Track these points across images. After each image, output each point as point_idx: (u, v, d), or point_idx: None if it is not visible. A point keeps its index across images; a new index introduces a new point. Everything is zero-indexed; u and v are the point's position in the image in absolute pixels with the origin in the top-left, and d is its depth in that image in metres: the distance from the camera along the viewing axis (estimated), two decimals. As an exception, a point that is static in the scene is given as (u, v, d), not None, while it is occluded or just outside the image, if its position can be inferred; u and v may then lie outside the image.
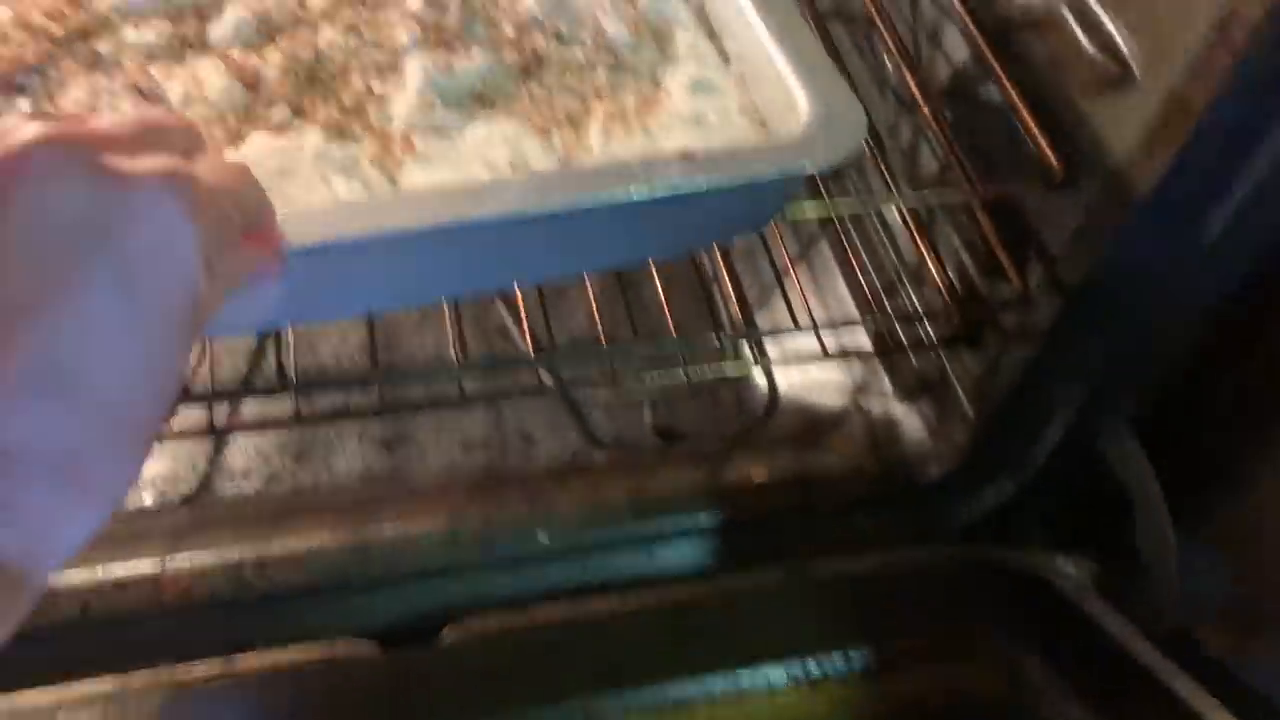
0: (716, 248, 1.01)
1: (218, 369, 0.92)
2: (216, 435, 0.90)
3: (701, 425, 0.98)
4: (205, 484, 0.90)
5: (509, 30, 0.63)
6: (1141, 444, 0.84)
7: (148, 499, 0.88)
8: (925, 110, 0.82)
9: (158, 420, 0.39)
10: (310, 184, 0.55)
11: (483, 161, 0.57)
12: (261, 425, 0.89)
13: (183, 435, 0.88)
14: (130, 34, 0.59)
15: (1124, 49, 0.68)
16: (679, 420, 0.98)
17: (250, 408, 0.93)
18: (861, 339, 0.94)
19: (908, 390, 0.92)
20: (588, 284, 0.92)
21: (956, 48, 0.83)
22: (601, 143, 0.59)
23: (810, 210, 0.86)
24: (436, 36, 0.61)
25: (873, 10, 0.86)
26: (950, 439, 0.89)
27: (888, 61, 0.90)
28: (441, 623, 0.78)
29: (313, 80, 0.59)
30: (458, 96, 0.60)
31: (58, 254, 0.35)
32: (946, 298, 0.84)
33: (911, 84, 0.83)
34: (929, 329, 0.88)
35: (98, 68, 0.58)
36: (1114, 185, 0.70)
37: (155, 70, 0.58)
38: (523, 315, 0.97)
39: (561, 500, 0.87)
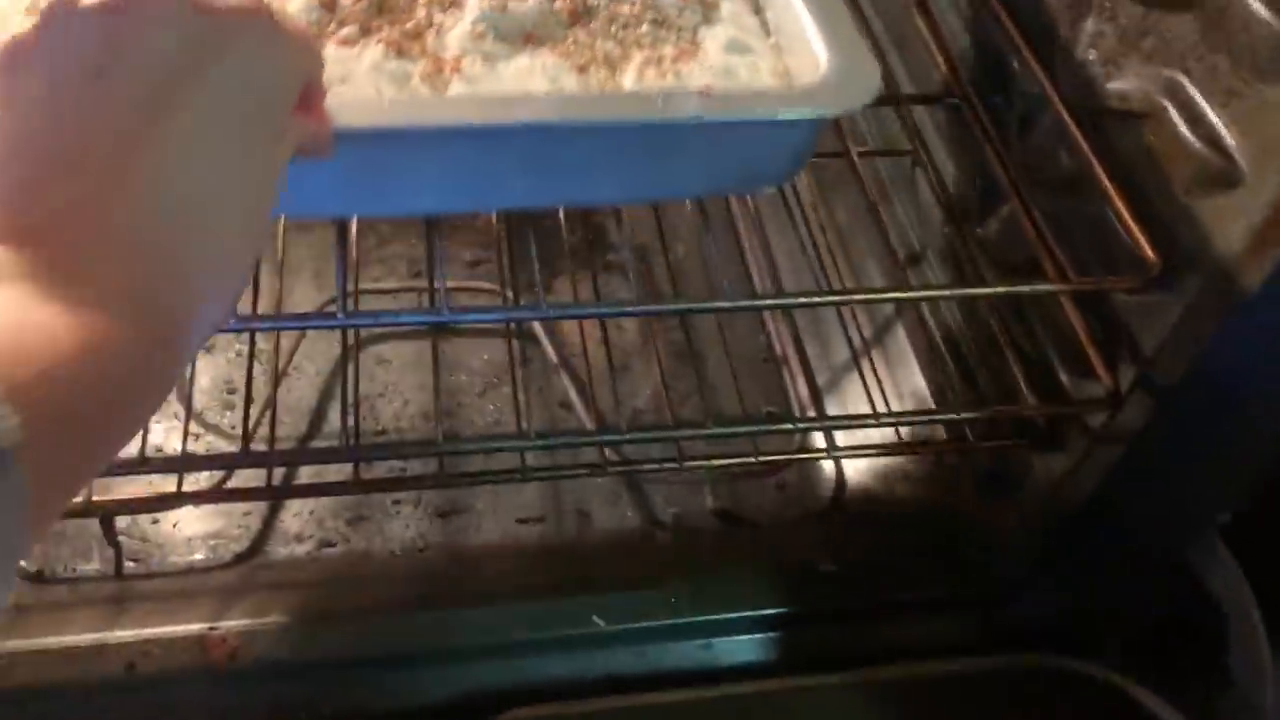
0: (785, 327, 0.99)
1: (278, 427, 0.92)
2: (274, 498, 0.89)
3: (765, 509, 0.94)
4: (257, 544, 0.89)
5: None
6: (1235, 555, 0.79)
7: (198, 556, 0.87)
8: (1014, 197, 0.80)
9: (260, 234, 0.45)
10: (362, 90, 0.61)
11: (522, 89, 0.63)
12: (319, 491, 0.88)
13: (239, 496, 0.87)
14: None
15: (1230, 144, 0.65)
16: (742, 503, 0.94)
17: (307, 468, 0.92)
18: (937, 429, 0.90)
19: (984, 485, 0.88)
20: (656, 358, 0.90)
21: (1048, 133, 0.80)
22: (635, 82, 0.64)
23: (890, 295, 0.84)
24: None
25: (964, 93, 0.85)
26: (1027, 539, 0.85)
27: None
28: (492, 704, 0.76)
29: (382, 8, 0.65)
30: (509, 32, 0.65)
31: (164, 78, 0.41)
32: (1028, 393, 0.81)
33: (999, 169, 0.81)
34: (1008, 423, 0.85)
35: None
36: (1216, 282, 0.66)
37: None
38: (589, 388, 0.97)
39: (618, 582, 0.84)
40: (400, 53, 0.63)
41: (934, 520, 0.89)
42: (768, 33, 0.70)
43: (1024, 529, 0.84)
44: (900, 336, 0.98)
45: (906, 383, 0.96)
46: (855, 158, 0.85)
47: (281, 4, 0.64)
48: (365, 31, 0.64)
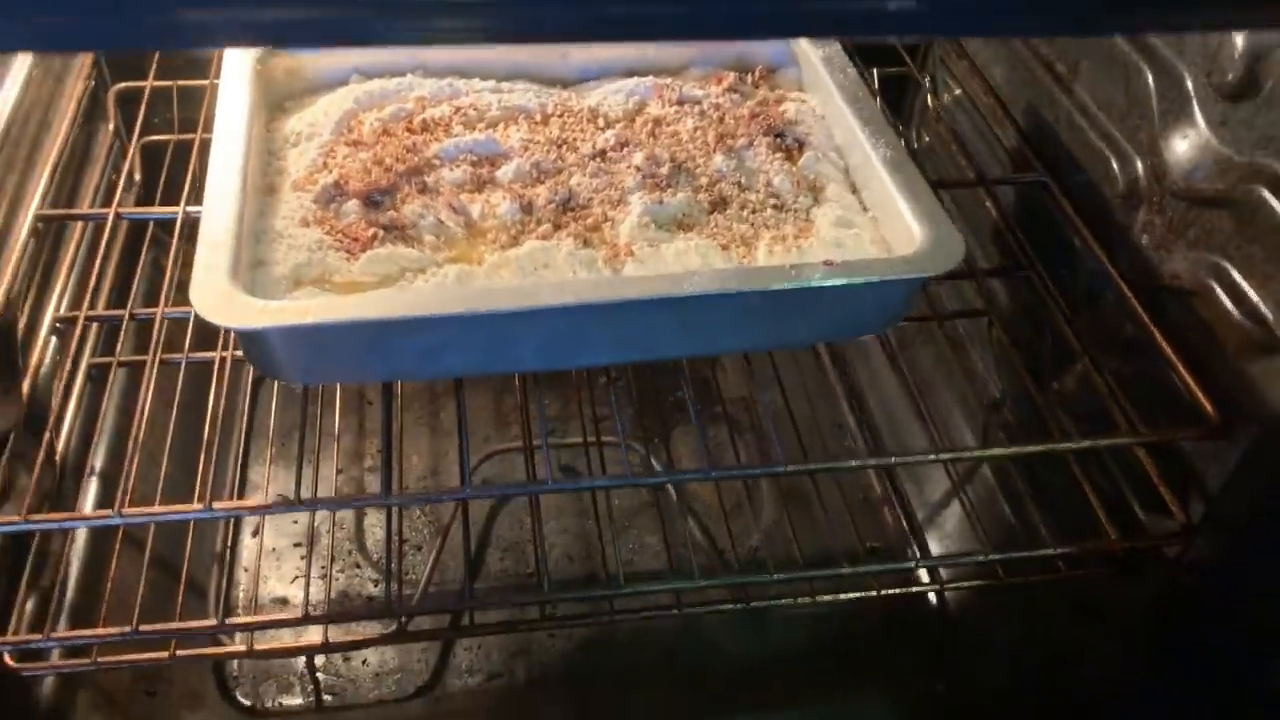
0: (883, 471, 1.11)
1: (444, 572, 1.06)
2: (447, 639, 1.02)
3: (874, 634, 1.05)
4: (435, 678, 1.01)
5: (703, 180, 0.87)
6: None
7: (387, 689, 1.00)
8: (1085, 359, 0.92)
9: None
10: (562, 274, 0.78)
11: (681, 266, 0.79)
12: (487, 630, 1.00)
13: (415, 638, 0.99)
14: (446, 173, 0.85)
15: (1270, 318, 0.78)
16: (853, 628, 1.05)
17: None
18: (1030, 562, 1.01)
19: (1077, 612, 0.98)
20: (765, 501, 1.03)
21: (1111, 304, 0.93)
22: (766, 258, 0.81)
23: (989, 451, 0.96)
24: (652, 183, 0.85)
25: (1031, 265, 0.99)
26: (1116, 661, 0.95)
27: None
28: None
29: (567, 208, 0.83)
30: (665, 221, 0.82)
31: None
32: (1109, 526, 0.91)
33: (1070, 334, 0.94)
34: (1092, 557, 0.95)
35: (425, 192, 0.83)
36: (1271, 432, 0.78)
37: (462, 196, 0.83)
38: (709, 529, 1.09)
39: (754, 709, 0.95)
40: (586, 244, 0.80)
41: (1033, 643, 0.99)
42: (865, 208, 0.87)
43: (1112, 650, 0.94)
44: (987, 475, 1.10)
45: (995, 516, 1.07)
46: (938, 320, 0.99)
47: (492, 209, 0.82)
48: (557, 227, 0.81)
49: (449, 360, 0.76)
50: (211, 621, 0.72)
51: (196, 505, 0.70)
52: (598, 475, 1.14)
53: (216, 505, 0.70)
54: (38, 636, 0.70)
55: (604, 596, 0.89)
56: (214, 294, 0.71)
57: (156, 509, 0.71)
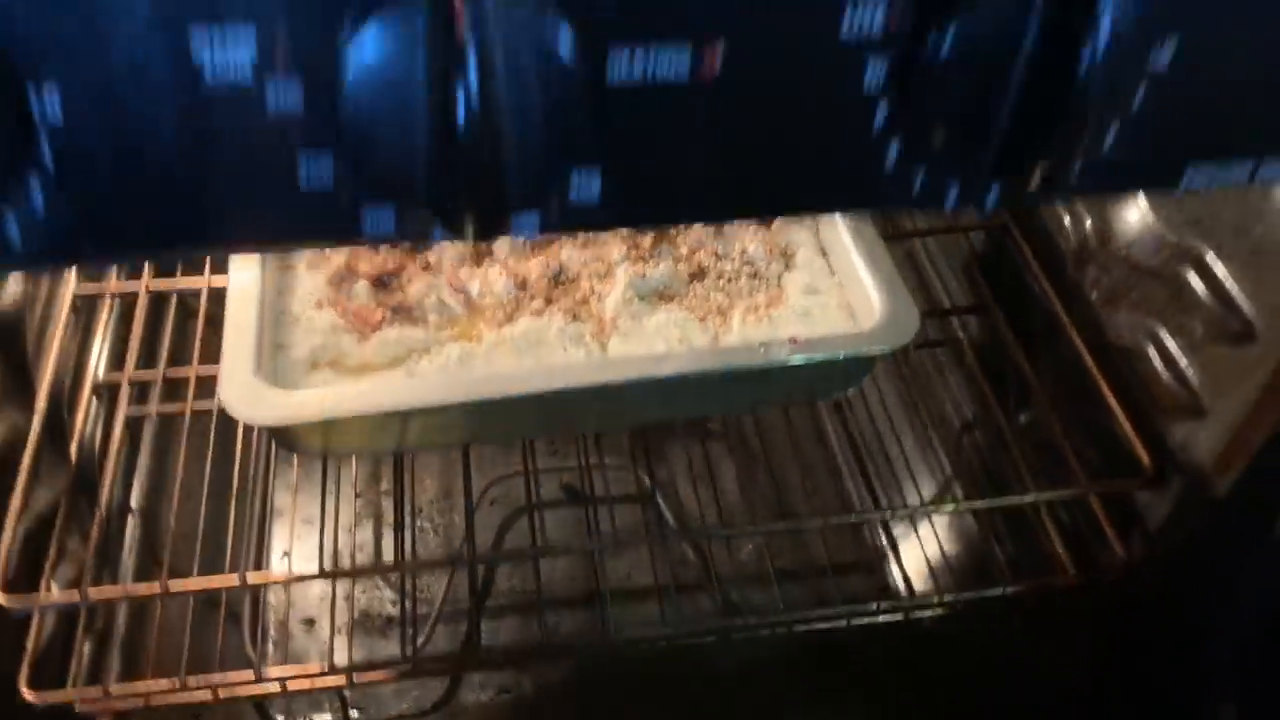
0: (866, 491, 1.20)
1: (456, 589, 1.16)
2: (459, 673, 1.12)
3: (851, 643, 1.14)
4: (450, 693, 1.11)
5: (684, 250, 0.93)
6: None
7: (406, 705, 1.10)
8: (1040, 402, 1.00)
9: None
10: (553, 350, 0.85)
11: (662, 338, 0.87)
12: (500, 663, 1.10)
13: (427, 673, 1.09)
14: (448, 248, 0.91)
15: (1195, 384, 0.85)
16: (831, 640, 1.15)
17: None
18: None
19: (1035, 632, 1.07)
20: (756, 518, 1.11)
21: (1065, 348, 1.01)
22: (740, 328, 0.88)
23: (954, 506, 1.04)
24: (636, 254, 0.92)
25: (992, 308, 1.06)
26: (1072, 682, 1.04)
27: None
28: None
29: (557, 281, 0.90)
30: (648, 293, 0.89)
31: None
32: (1065, 560, 0.99)
33: (1030, 376, 1.02)
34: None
35: (429, 270, 0.90)
36: (1196, 485, 0.86)
37: (462, 272, 0.90)
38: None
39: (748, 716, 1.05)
40: (575, 318, 0.88)
41: (995, 665, 1.08)
42: (832, 271, 0.94)
43: (1069, 670, 1.03)
44: (956, 492, 1.18)
45: (963, 533, 1.16)
46: (908, 351, 1.07)
47: (489, 286, 0.89)
48: (548, 301, 0.88)
49: (452, 436, 0.85)
50: (250, 675, 0.82)
51: (232, 580, 0.80)
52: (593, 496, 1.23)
53: (250, 578, 0.80)
54: (96, 692, 0.80)
55: (600, 645, 0.98)
56: (239, 388, 0.79)
57: (194, 583, 0.81)
